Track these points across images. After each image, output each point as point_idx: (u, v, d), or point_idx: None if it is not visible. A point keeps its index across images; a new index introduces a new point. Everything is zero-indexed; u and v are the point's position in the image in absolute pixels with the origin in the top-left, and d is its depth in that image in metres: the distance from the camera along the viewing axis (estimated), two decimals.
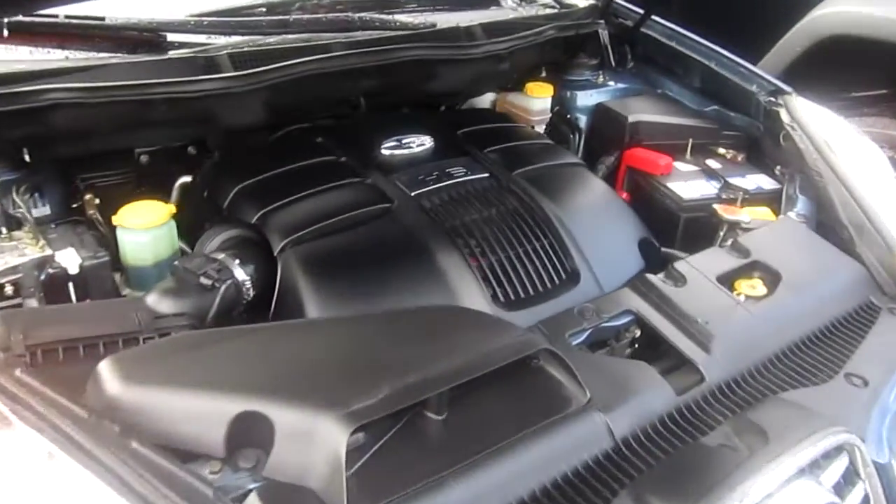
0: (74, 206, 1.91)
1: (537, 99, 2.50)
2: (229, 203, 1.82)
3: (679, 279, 1.70)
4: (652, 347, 1.60)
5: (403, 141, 2.05)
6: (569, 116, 2.59)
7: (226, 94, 1.88)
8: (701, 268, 1.74)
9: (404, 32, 2.24)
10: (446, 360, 1.24)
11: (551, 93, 2.53)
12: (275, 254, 1.66)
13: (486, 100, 2.68)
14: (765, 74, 2.46)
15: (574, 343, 1.51)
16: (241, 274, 1.61)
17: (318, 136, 2.07)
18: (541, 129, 2.56)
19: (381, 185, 1.86)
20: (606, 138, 2.52)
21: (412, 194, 1.84)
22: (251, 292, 1.62)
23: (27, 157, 1.83)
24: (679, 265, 1.73)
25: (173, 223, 1.72)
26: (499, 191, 1.91)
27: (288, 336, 1.30)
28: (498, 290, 1.68)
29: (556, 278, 1.76)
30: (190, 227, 1.85)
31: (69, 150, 1.92)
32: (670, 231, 2.19)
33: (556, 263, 1.78)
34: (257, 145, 2.11)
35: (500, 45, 2.36)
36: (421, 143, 2.05)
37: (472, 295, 1.64)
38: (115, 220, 1.66)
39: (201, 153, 2.10)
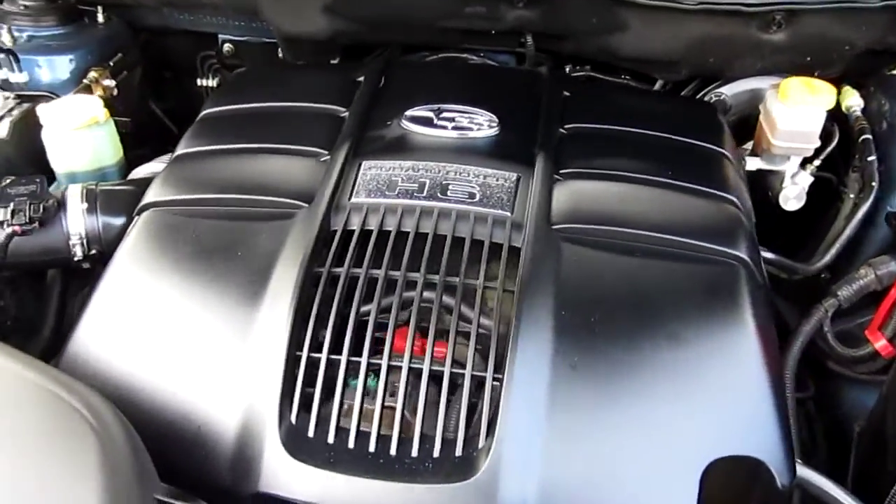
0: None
1: (792, 109, 1.35)
2: (194, 126, 1.39)
3: None
4: None
5: (444, 113, 1.28)
6: (870, 158, 1.36)
7: None
8: None
9: None
10: None
11: (827, 102, 1.34)
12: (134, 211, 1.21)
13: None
14: None
15: None
16: (75, 224, 1.21)
17: (371, 73, 1.42)
18: (795, 172, 1.41)
19: (329, 171, 1.18)
20: None
21: (349, 200, 1.13)
22: (80, 250, 1.21)
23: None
24: None
25: (102, 131, 1.37)
26: (488, 254, 1.05)
27: None
28: (315, 415, 0.94)
29: (428, 445, 0.91)
30: None
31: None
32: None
33: (450, 426, 0.93)
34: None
35: None
36: (468, 127, 1.26)
37: (257, 400, 0.94)
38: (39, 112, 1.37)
39: None
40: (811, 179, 1.43)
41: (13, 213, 1.15)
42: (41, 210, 1.17)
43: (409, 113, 1.28)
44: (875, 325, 1.23)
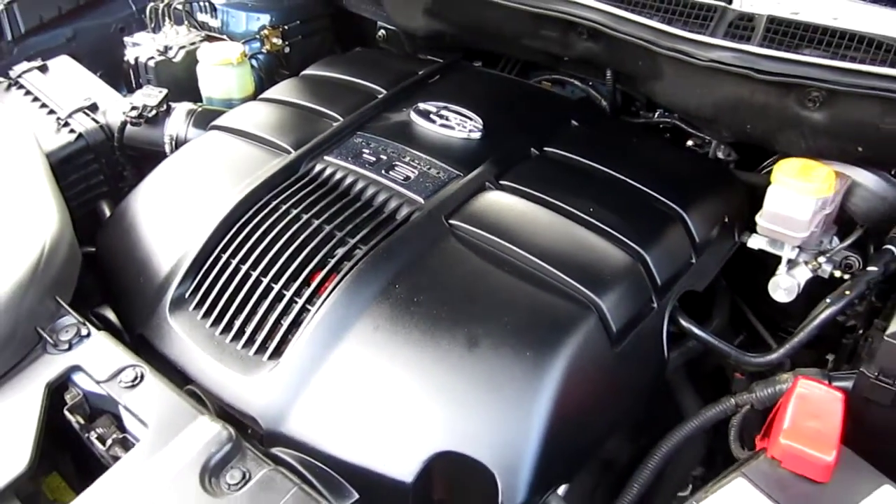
0: None
1: (776, 189, 1.24)
2: (286, 80, 1.73)
3: None
4: None
5: (443, 111, 1.45)
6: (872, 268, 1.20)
7: None
8: None
9: None
10: None
11: (817, 189, 1.21)
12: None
13: None
14: None
15: None
16: (171, 128, 1.63)
17: (429, 69, 1.65)
18: (792, 261, 1.30)
19: (327, 133, 1.44)
20: None
21: (323, 157, 1.38)
22: (169, 148, 1.63)
23: None
24: None
25: (232, 71, 1.78)
26: (380, 222, 1.24)
27: None
28: (200, 295, 1.23)
29: (251, 345, 1.15)
30: None
31: None
32: None
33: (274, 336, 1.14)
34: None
35: (800, 66, 1.25)
36: (451, 126, 1.41)
37: (177, 269, 1.26)
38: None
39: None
40: (809, 275, 1.30)
41: (131, 108, 1.61)
42: (151, 111, 1.61)
43: (419, 105, 1.48)
44: (763, 432, 1.11)
